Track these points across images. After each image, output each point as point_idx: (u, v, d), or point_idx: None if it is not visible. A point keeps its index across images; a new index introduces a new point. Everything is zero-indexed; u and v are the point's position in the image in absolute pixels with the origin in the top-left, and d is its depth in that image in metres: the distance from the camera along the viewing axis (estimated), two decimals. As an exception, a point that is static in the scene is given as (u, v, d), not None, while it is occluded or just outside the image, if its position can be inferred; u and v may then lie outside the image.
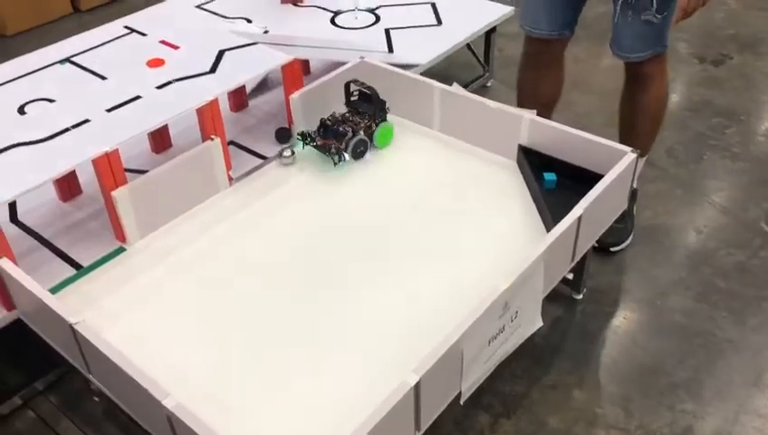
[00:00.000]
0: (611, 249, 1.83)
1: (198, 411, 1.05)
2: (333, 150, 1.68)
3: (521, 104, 1.93)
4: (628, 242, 1.86)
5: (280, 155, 1.69)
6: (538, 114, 1.67)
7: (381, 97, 1.72)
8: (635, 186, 1.85)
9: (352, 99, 1.77)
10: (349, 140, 1.69)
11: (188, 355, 1.29)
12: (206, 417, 1.04)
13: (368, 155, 1.74)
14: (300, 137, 1.72)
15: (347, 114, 1.75)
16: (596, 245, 1.66)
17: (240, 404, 1.21)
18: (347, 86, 1.75)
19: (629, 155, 1.51)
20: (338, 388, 1.23)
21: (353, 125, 1.71)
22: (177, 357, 1.29)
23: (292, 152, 1.70)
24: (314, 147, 1.71)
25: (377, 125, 1.74)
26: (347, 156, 1.70)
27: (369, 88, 1.71)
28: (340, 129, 1.69)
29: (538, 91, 1.94)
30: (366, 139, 1.73)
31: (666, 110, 1.84)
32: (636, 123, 1.82)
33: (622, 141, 1.72)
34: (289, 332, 1.33)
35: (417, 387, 1.08)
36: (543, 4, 1.79)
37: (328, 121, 1.71)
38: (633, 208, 1.91)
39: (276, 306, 1.38)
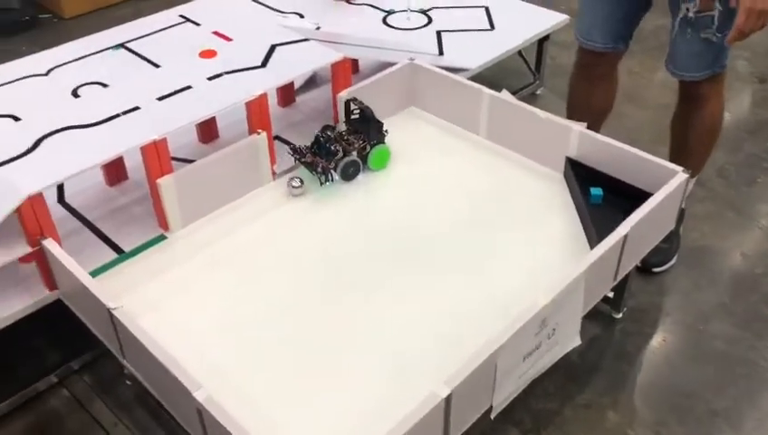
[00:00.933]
0: (654, 270, 1.79)
1: (227, 405, 1.05)
2: (320, 170, 1.62)
3: (570, 115, 1.90)
4: (672, 263, 1.82)
5: (289, 185, 1.61)
6: (587, 126, 1.64)
7: (378, 120, 1.68)
8: (683, 206, 1.80)
9: (352, 117, 1.70)
10: (339, 160, 1.63)
11: (220, 348, 1.30)
12: (234, 411, 1.05)
13: (360, 176, 1.68)
14: (291, 152, 1.67)
15: (343, 133, 1.68)
16: (639, 264, 1.62)
17: (268, 403, 1.21)
18: (347, 104, 1.69)
19: (680, 175, 1.47)
20: (366, 395, 1.22)
21: (346, 145, 1.64)
22: (209, 348, 1.29)
23: (301, 182, 1.61)
24: (303, 163, 1.65)
25: (371, 147, 1.68)
26: (335, 176, 1.64)
27: (366, 108, 1.65)
28: (332, 147, 1.62)
29: (589, 103, 1.90)
30: (358, 160, 1.66)
31: (720, 131, 1.79)
32: (688, 143, 1.78)
33: (672, 160, 1.67)
34: (320, 333, 1.33)
35: (448, 399, 1.06)
36: (599, 17, 1.76)
37: (321, 138, 1.65)
38: (680, 229, 1.86)
39: (309, 306, 1.38)
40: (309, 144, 1.67)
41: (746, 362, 1.60)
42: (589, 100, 1.90)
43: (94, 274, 1.41)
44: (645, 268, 1.76)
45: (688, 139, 1.77)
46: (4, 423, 1.47)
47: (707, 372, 1.58)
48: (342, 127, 1.72)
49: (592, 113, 1.87)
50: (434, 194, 1.65)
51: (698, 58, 1.63)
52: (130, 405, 1.50)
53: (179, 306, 1.38)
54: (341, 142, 1.65)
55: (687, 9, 1.57)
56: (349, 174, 1.66)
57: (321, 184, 1.63)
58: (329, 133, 1.66)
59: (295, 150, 1.66)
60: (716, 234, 1.94)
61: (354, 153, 1.65)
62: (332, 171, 1.64)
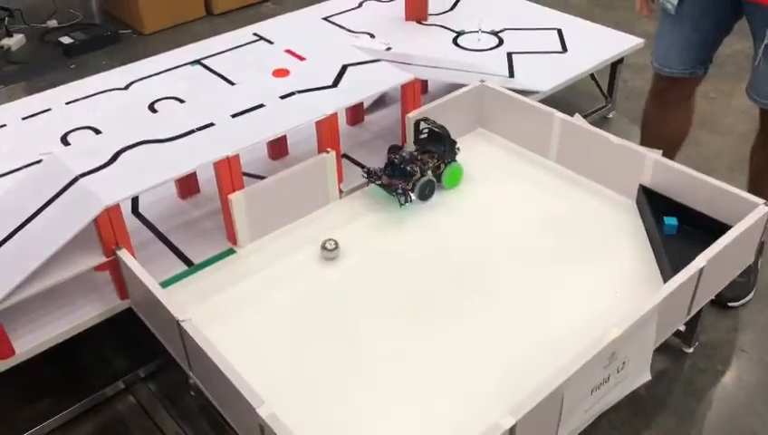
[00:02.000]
0: (730, 304, 1.72)
1: (289, 421, 1.06)
2: (400, 191, 1.61)
3: (645, 142, 1.86)
4: (749, 298, 1.74)
5: (323, 247, 1.52)
6: (662, 153, 1.60)
7: (453, 138, 1.67)
8: (763, 239, 1.73)
9: (421, 136, 1.70)
10: (416, 180, 1.62)
11: (284, 364, 1.31)
12: (296, 427, 1.05)
13: (435, 197, 1.67)
14: (365, 174, 1.66)
15: (415, 153, 1.68)
16: (714, 298, 1.56)
17: (329, 424, 1.21)
18: (417, 124, 1.69)
19: (762, 208, 1.41)
20: (427, 423, 1.21)
21: (421, 165, 1.64)
22: (272, 364, 1.30)
23: (336, 244, 1.52)
24: (379, 186, 1.65)
25: (446, 165, 1.67)
26: (413, 196, 1.64)
27: (440, 127, 1.65)
28: (408, 168, 1.62)
29: (664, 130, 1.85)
30: (434, 179, 1.66)
31: None
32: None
33: (751, 190, 1.62)
34: (382, 358, 1.32)
35: (512, 430, 1.04)
36: (676, 41, 1.71)
37: (395, 160, 1.64)
38: (758, 263, 1.78)
39: (372, 329, 1.37)
40: (381, 166, 1.67)
41: (827, 406, 1.52)
42: (664, 126, 1.85)
43: (164, 284, 1.45)
44: (720, 302, 1.70)
45: (767, 168, 1.71)
46: (74, 426, 1.51)
47: (785, 414, 1.50)
48: (412, 147, 1.72)
49: (667, 140, 1.82)
50: (503, 218, 1.63)
51: None
52: (193, 416, 1.53)
53: (245, 320, 1.40)
54: (416, 162, 1.65)
55: None
56: (425, 194, 1.66)
57: (401, 205, 1.63)
58: (403, 154, 1.66)
59: (369, 173, 1.66)
60: (797, 269, 1.86)
61: (429, 172, 1.65)
62: (410, 192, 1.63)
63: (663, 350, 1.59)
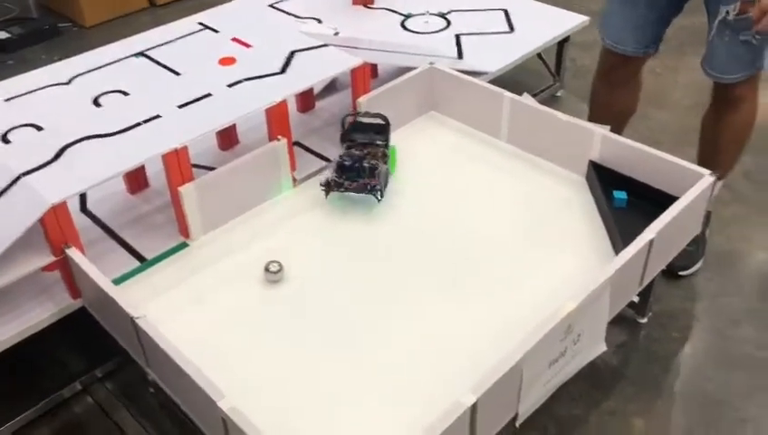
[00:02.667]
0: (680, 273, 1.76)
1: (251, 414, 1.05)
2: (373, 187, 1.56)
3: (593, 118, 1.88)
4: (698, 266, 1.79)
5: (266, 269, 1.43)
6: (610, 129, 1.62)
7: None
8: (709, 208, 1.78)
9: (346, 130, 1.64)
10: (379, 173, 1.57)
11: (243, 356, 1.29)
12: (258, 420, 1.04)
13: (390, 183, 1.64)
14: (324, 187, 1.58)
15: (355, 150, 1.61)
16: (665, 268, 1.60)
17: (292, 412, 1.21)
18: (342, 121, 1.65)
19: (707, 178, 1.45)
20: (392, 404, 1.21)
21: (372, 158, 1.59)
22: (231, 357, 1.29)
23: (280, 266, 1.43)
24: (346, 192, 1.58)
25: (388, 151, 1.63)
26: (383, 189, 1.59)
27: (374, 115, 1.62)
28: (367, 164, 1.56)
29: (612, 106, 1.88)
30: (388, 168, 1.62)
31: (751, 133, 1.76)
32: (719, 146, 1.75)
33: (702, 162, 1.66)
34: (343, 343, 1.32)
35: (473, 407, 1.05)
36: (630, 20, 1.73)
37: (346, 162, 1.57)
38: (706, 232, 1.83)
39: (332, 314, 1.37)
40: (331, 176, 1.58)
41: (776, 367, 1.57)
42: (612, 103, 1.88)
43: (117, 282, 1.42)
44: (671, 272, 1.74)
45: (719, 140, 1.75)
46: (30, 430, 1.48)
47: (736, 378, 1.55)
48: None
49: (615, 116, 1.84)
50: (455, 200, 1.64)
51: (736, 60, 1.61)
52: (154, 413, 1.50)
53: (202, 314, 1.38)
54: (367, 157, 1.60)
55: (727, 12, 1.55)
56: (385, 184, 1.62)
57: (379, 201, 1.58)
58: (351, 153, 1.60)
59: (329, 185, 1.57)
60: (744, 237, 1.91)
61: (381, 162, 1.61)
62: (381, 186, 1.58)
63: (618, 322, 1.63)
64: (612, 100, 1.88)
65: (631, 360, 1.61)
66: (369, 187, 1.57)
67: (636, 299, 1.62)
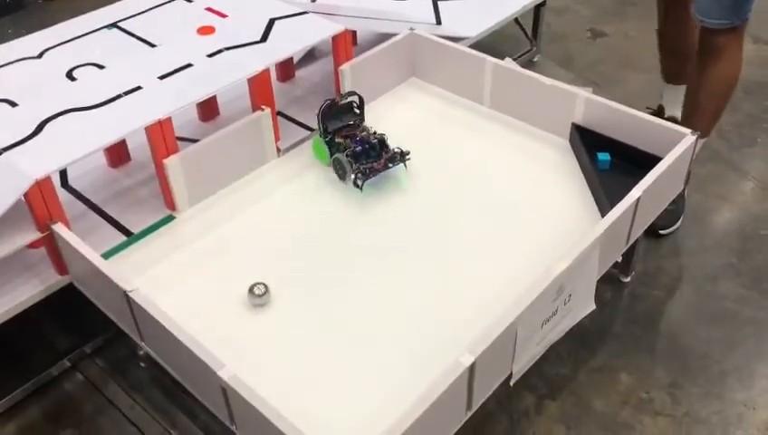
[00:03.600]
0: (662, 232, 1.80)
1: (249, 382, 1.05)
2: (396, 156, 1.56)
3: (661, 58, 2.06)
4: (678, 225, 1.83)
5: (251, 291, 1.32)
6: (677, 68, 1.82)
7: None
8: (690, 168, 1.81)
9: (328, 116, 1.59)
10: (383, 139, 1.57)
11: (234, 327, 1.30)
12: (256, 388, 1.04)
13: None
14: (360, 183, 1.53)
15: (355, 132, 1.59)
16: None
17: (291, 377, 1.22)
18: (324, 113, 1.59)
19: (689, 137, 1.47)
20: (390, 366, 1.23)
21: (370, 135, 1.58)
22: (223, 328, 1.29)
23: (266, 289, 1.33)
24: (380, 172, 1.55)
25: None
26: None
27: (348, 94, 1.61)
28: (374, 140, 1.55)
29: (674, 45, 1.98)
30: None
31: (732, 90, 1.78)
32: (700, 98, 1.77)
33: (685, 117, 1.70)
34: (340, 308, 1.33)
35: (471, 367, 1.07)
36: None
37: (358, 148, 1.54)
38: (685, 191, 1.86)
39: (326, 281, 1.38)
40: (355, 170, 1.53)
41: (755, 321, 1.62)
42: (673, 41, 1.99)
43: (104, 256, 1.40)
44: (652, 231, 1.77)
45: (701, 93, 1.77)
46: (21, 409, 1.47)
47: (717, 331, 1.60)
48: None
49: (679, 53, 1.95)
50: (440, 166, 1.64)
51: (718, 4, 1.64)
52: (146, 387, 1.50)
53: (192, 286, 1.37)
54: (371, 135, 1.57)
55: None
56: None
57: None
58: (361, 136, 1.57)
59: (364, 174, 1.52)
60: (720, 195, 1.95)
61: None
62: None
63: (602, 281, 1.64)
64: (674, 39, 1.96)
65: (616, 318, 1.64)
66: (397, 159, 1.56)
67: (620, 259, 1.65)
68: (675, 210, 1.80)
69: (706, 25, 1.69)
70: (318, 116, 1.58)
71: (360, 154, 1.54)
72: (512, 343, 1.16)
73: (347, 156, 1.54)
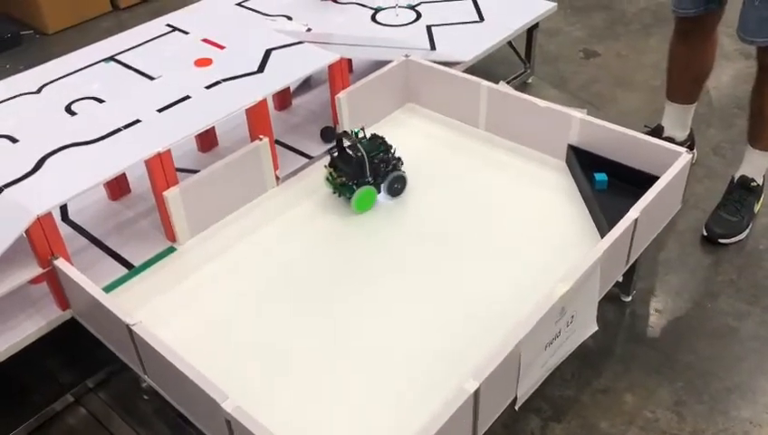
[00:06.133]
0: (720, 241, 1.83)
1: (253, 413, 1.05)
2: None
3: (671, 79, 2.00)
4: (742, 237, 1.85)
5: None
6: (688, 89, 1.80)
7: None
8: (760, 182, 1.87)
9: (334, 154, 1.62)
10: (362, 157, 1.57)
11: (240, 357, 1.30)
12: (261, 419, 1.04)
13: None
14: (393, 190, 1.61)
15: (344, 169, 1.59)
16: (705, 233, 1.79)
17: (295, 407, 1.21)
18: (339, 139, 1.61)
19: (684, 156, 1.48)
20: (395, 394, 1.23)
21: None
22: (227, 359, 1.29)
23: None
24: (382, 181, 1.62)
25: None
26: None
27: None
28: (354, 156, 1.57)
29: (689, 67, 1.95)
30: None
31: None
32: (763, 113, 1.79)
33: (750, 131, 1.78)
34: (343, 335, 1.33)
35: (476, 393, 1.07)
36: None
37: (375, 161, 1.58)
38: (754, 204, 1.90)
39: (329, 308, 1.38)
40: (366, 177, 1.57)
41: (757, 337, 1.62)
42: (689, 63, 1.95)
43: (106, 290, 1.40)
44: (710, 239, 1.82)
45: (764, 108, 1.79)
46: (24, 446, 1.46)
47: (720, 348, 1.60)
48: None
49: (693, 76, 1.93)
50: (438, 190, 1.65)
51: (766, 22, 1.65)
52: (150, 419, 1.49)
53: (194, 318, 1.38)
54: (357, 151, 1.58)
55: None
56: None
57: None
58: (353, 152, 1.58)
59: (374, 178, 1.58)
60: (717, 211, 1.96)
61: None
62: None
63: (604, 301, 1.65)
64: (689, 61, 1.94)
65: (618, 338, 1.64)
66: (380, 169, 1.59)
67: (620, 279, 1.66)
68: (739, 222, 1.84)
69: (757, 44, 1.71)
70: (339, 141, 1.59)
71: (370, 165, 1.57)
72: (516, 367, 1.16)
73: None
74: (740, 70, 2.58)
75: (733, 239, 1.84)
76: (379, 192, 1.62)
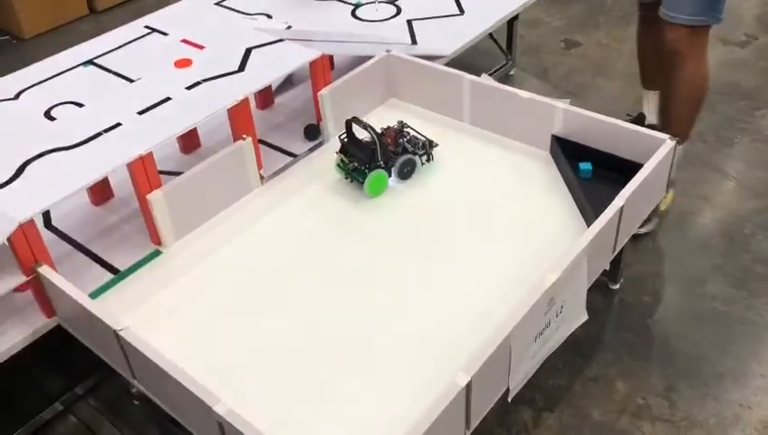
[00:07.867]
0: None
1: (245, 414, 1.04)
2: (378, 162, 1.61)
3: (642, 62, 2.03)
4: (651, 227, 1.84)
5: None
6: (660, 75, 1.79)
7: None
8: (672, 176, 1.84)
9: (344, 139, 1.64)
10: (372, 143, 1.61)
11: (230, 359, 1.29)
12: (253, 420, 1.03)
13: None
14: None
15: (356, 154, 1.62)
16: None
17: (287, 407, 1.21)
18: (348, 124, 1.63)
19: (668, 143, 1.49)
20: (387, 390, 1.22)
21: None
22: (218, 361, 1.28)
23: None
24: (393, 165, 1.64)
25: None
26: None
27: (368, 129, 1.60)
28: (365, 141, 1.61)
29: (657, 53, 1.94)
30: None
31: (703, 94, 1.80)
32: (671, 105, 1.80)
33: (663, 124, 1.71)
34: (332, 332, 1.32)
35: (467, 387, 1.07)
36: None
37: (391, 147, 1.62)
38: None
39: (317, 306, 1.37)
40: (376, 160, 1.59)
41: (745, 320, 1.63)
42: (656, 50, 1.94)
43: (92, 296, 1.39)
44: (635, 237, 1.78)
45: (671, 99, 1.80)
46: (13, 457, 1.44)
47: (709, 333, 1.60)
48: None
49: (662, 57, 1.92)
50: (424, 183, 1.65)
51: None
52: (141, 424, 1.48)
53: (182, 321, 1.36)
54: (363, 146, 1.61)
55: None
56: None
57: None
58: (363, 140, 1.61)
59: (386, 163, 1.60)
60: (702, 197, 1.97)
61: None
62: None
63: (592, 290, 1.65)
64: (657, 48, 1.93)
65: (608, 326, 1.65)
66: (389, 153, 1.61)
67: (607, 267, 1.66)
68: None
69: (677, 23, 1.69)
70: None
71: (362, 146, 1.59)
72: (506, 360, 1.16)
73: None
74: (719, 56, 2.60)
75: (645, 229, 1.83)
76: (390, 176, 1.63)
